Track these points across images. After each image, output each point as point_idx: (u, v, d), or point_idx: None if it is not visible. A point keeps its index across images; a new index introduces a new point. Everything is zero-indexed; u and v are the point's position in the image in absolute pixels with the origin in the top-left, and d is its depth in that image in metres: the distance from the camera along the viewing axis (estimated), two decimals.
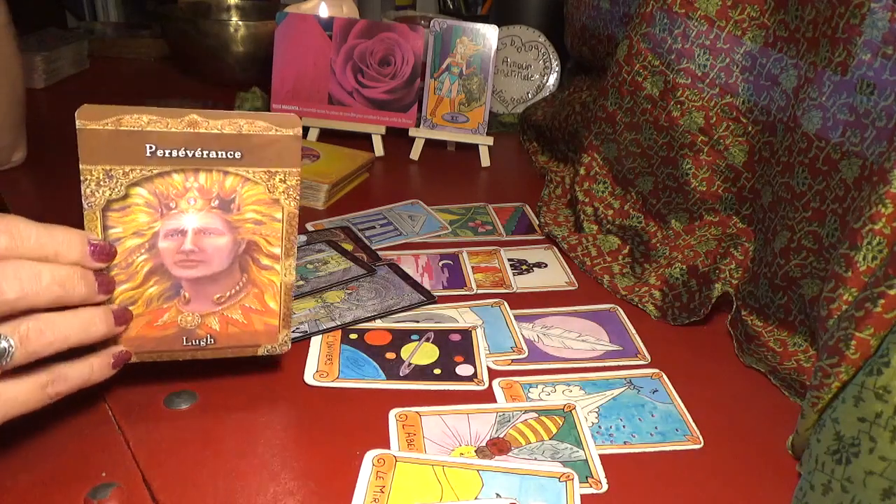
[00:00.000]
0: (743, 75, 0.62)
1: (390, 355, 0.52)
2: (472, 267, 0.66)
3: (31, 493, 0.38)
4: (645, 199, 0.71)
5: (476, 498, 0.40)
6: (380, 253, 0.67)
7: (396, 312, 0.57)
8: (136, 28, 1.49)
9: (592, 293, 0.64)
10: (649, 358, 0.54)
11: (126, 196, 0.39)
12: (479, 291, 0.62)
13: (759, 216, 0.61)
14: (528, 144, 1.00)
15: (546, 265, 0.68)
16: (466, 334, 0.55)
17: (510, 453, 0.43)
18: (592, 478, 0.42)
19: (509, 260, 0.68)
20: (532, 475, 0.41)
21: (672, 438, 0.46)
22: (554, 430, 0.45)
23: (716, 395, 0.51)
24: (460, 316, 0.58)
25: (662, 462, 0.44)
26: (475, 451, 0.43)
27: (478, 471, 0.41)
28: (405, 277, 0.63)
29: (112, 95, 1.10)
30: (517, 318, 0.58)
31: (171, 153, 0.39)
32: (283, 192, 0.42)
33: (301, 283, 0.60)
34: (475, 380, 0.50)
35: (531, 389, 0.50)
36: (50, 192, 0.73)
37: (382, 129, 0.92)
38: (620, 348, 0.55)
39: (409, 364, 0.51)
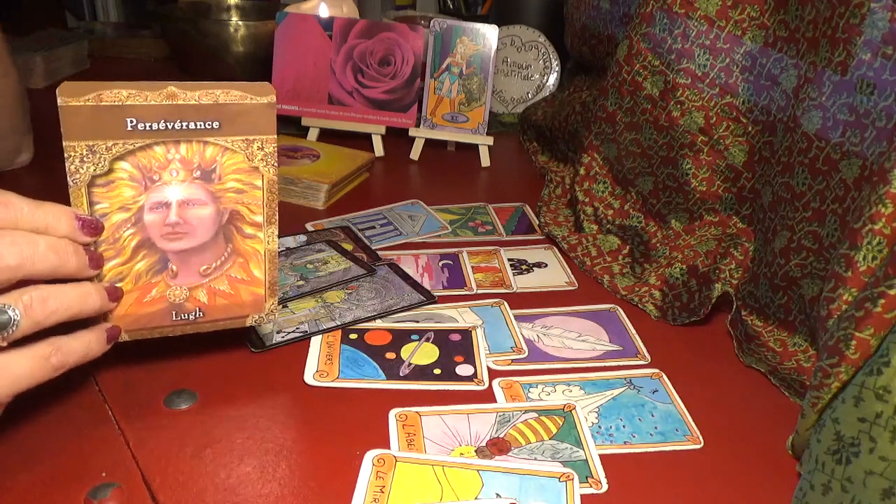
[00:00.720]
0: (743, 75, 0.62)
1: (390, 355, 0.52)
2: (472, 267, 0.66)
3: (31, 493, 0.38)
4: (645, 199, 0.71)
5: (476, 498, 0.40)
6: (380, 253, 0.67)
7: (396, 312, 0.57)
8: (136, 28, 1.49)
9: (592, 293, 0.64)
10: (649, 358, 0.54)
11: (110, 171, 0.40)
12: (479, 291, 0.62)
13: (759, 216, 0.61)
14: (528, 144, 1.00)
15: (546, 265, 0.68)
16: (466, 334, 0.55)
17: (510, 453, 0.43)
18: (592, 478, 0.42)
19: (509, 260, 0.68)
20: (532, 475, 0.41)
21: (672, 438, 0.46)
22: (554, 430, 0.45)
23: (716, 395, 0.51)
24: (460, 316, 0.58)
25: (662, 462, 0.44)
26: (475, 451, 0.43)
27: (478, 471, 0.41)
28: (405, 277, 0.63)
29: None
30: (517, 318, 0.58)
31: (151, 126, 0.40)
32: (262, 159, 0.43)
33: (301, 283, 0.60)
34: (475, 380, 0.50)
35: (531, 389, 0.50)
36: (50, 191, 0.73)
37: (382, 129, 0.92)
38: (620, 348, 0.55)
39: (409, 364, 0.51)
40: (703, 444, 0.46)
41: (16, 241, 0.34)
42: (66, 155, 0.39)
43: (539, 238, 0.74)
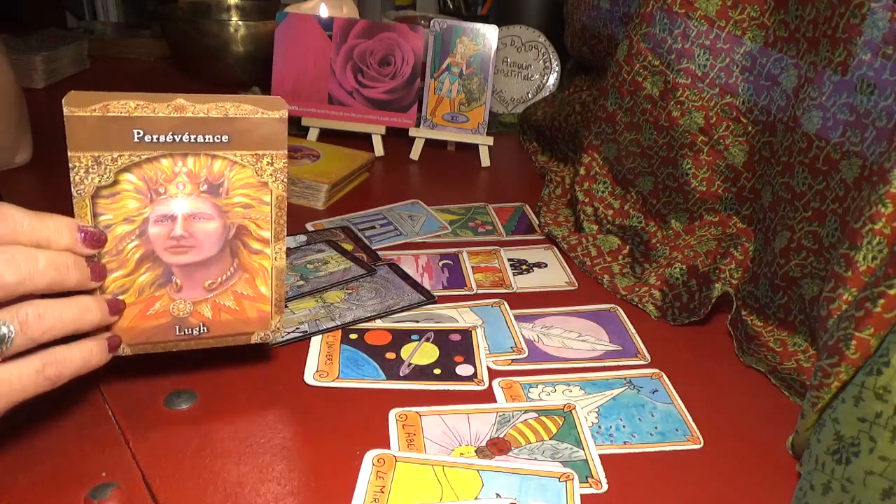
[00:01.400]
0: (743, 75, 0.62)
1: (390, 355, 0.52)
2: (472, 267, 0.66)
3: (31, 493, 0.38)
4: (645, 199, 0.71)
5: (476, 498, 0.40)
6: (380, 253, 0.67)
7: (396, 312, 0.57)
8: (136, 28, 1.49)
9: (592, 293, 0.64)
10: (649, 358, 0.54)
11: (115, 182, 0.39)
12: (479, 291, 0.62)
13: (759, 216, 0.61)
14: (528, 144, 1.00)
15: (546, 265, 0.68)
16: (466, 334, 0.55)
17: (510, 453, 0.43)
18: (592, 478, 0.42)
19: (509, 260, 0.68)
20: (532, 475, 0.41)
21: (672, 438, 0.46)
22: (554, 430, 0.45)
23: (716, 395, 0.51)
24: (460, 316, 0.58)
25: (662, 462, 0.44)
26: (475, 451, 0.43)
27: (478, 471, 0.41)
28: (405, 277, 0.63)
29: None
30: (517, 318, 0.58)
31: (158, 138, 0.39)
32: (271, 174, 0.42)
33: (301, 283, 0.60)
34: (475, 380, 0.50)
35: (531, 389, 0.50)
36: (50, 191, 0.73)
37: (382, 129, 0.92)
38: (620, 348, 0.55)
39: (409, 364, 0.51)
40: (703, 444, 0.46)
41: (14, 257, 0.34)
42: (70, 165, 0.38)
43: (539, 238, 0.74)
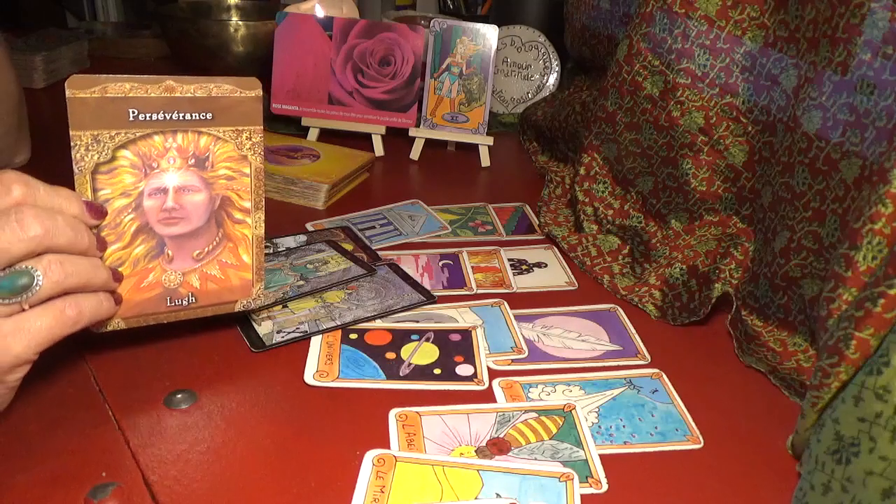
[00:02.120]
0: (743, 75, 0.62)
1: (390, 355, 0.52)
2: (472, 267, 0.66)
3: (31, 493, 0.38)
4: (645, 199, 0.71)
5: (476, 498, 0.40)
6: (380, 253, 0.67)
7: (396, 312, 0.57)
8: (136, 28, 1.49)
9: (592, 293, 0.64)
10: (649, 358, 0.54)
11: (113, 159, 0.42)
12: (479, 291, 0.62)
13: (759, 216, 0.61)
14: (528, 144, 1.00)
15: (546, 265, 0.68)
16: (466, 334, 0.55)
17: (510, 453, 0.43)
18: (592, 478, 0.42)
19: (509, 260, 0.68)
20: (532, 475, 0.41)
21: (672, 438, 0.46)
22: (554, 430, 0.45)
23: (716, 395, 0.51)
24: (460, 316, 0.58)
25: (662, 462, 0.44)
26: (475, 451, 0.43)
27: (478, 471, 0.41)
28: (405, 277, 0.63)
29: None
30: (517, 318, 0.58)
31: (151, 116, 0.43)
32: (250, 148, 0.46)
33: (301, 283, 0.60)
34: (475, 380, 0.50)
35: (531, 389, 0.50)
36: None
37: (382, 129, 0.92)
38: (620, 348, 0.55)
39: (409, 364, 0.51)
40: (703, 444, 0.46)
41: (38, 214, 0.36)
42: (72, 144, 0.41)
43: (539, 238, 0.74)
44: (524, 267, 0.68)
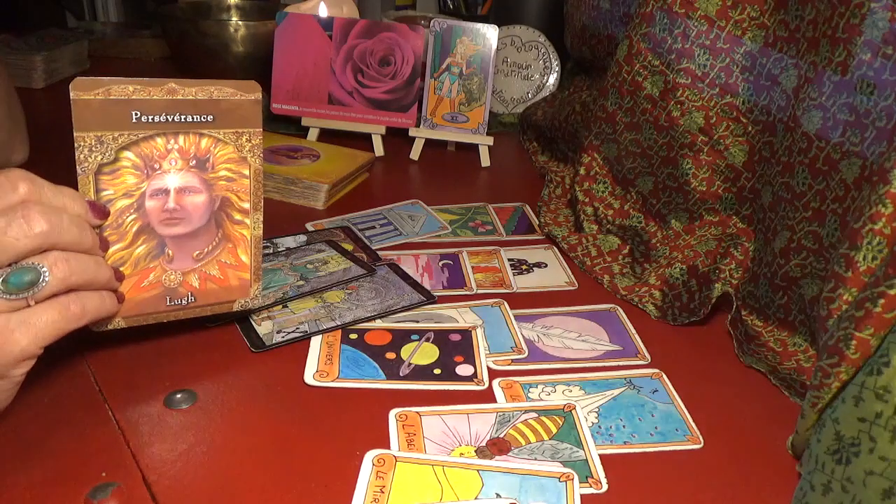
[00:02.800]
0: (743, 75, 0.62)
1: (390, 355, 0.52)
2: (472, 267, 0.66)
3: (31, 493, 0.38)
4: (645, 199, 0.71)
5: (476, 498, 0.40)
6: (380, 253, 0.67)
7: (396, 312, 0.57)
8: (136, 28, 1.49)
9: (592, 293, 0.64)
10: (649, 358, 0.54)
11: (116, 160, 0.43)
12: (479, 291, 0.62)
13: (759, 216, 0.61)
14: (528, 144, 1.00)
15: (546, 265, 0.68)
16: (466, 334, 0.55)
17: (510, 453, 0.43)
18: (592, 478, 0.42)
19: (509, 260, 0.68)
20: (532, 475, 0.41)
21: (672, 438, 0.46)
22: (554, 430, 0.45)
23: (716, 395, 0.51)
24: (460, 316, 0.58)
25: (662, 462, 0.44)
26: (475, 451, 0.43)
27: (478, 471, 0.41)
28: (405, 277, 0.63)
29: None
30: (517, 318, 0.58)
31: (153, 118, 0.43)
32: (249, 150, 0.47)
33: (301, 283, 0.60)
34: (475, 380, 0.50)
35: (531, 389, 0.50)
36: None
37: (382, 129, 0.92)
38: (620, 348, 0.55)
39: (409, 364, 0.51)
40: (703, 444, 0.46)
41: (45, 211, 0.37)
42: (76, 145, 0.41)
43: (539, 238, 0.74)
44: (524, 267, 0.68)
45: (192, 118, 0.44)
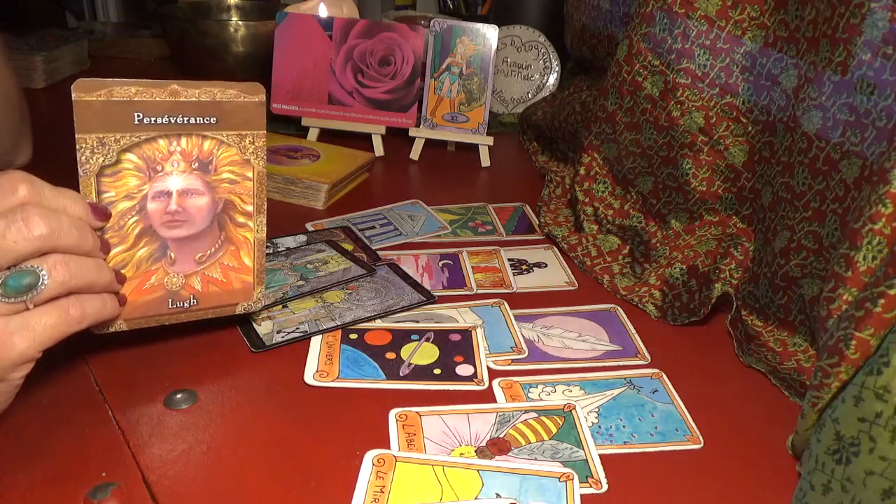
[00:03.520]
0: (743, 75, 0.62)
1: (390, 355, 0.52)
2: (472, 267, 0.66)
3: (31, 493, 0.38)
4: (645, 198, 0.71)
5: (476, 498, 0.40)
6: (380, 253, 0.67)
7: (396, 312, 0.57)
8: (136, 28, 1.49)
9: (592, 293, 0.64)
10: (649, 358, 0.54)
11: (117, 161, 0.42)
12: (479, 291, 0.62)
13: (759, 216, 0.61)
14: (528, 144, 1.00)
15: (546, 265, 0.68)
16: (466, 334, 0.55)
17: (510, 453, 0.43)
18: (592, 478, 0.42)
19: (509, 260, 0.68)
20: (532, 475, 0.41)
21: (672, 438, 0.46)
22: (554, 430, 0.45)
23: (716, 395, 0.51)
24: (460, 316, 0.58)
25: (662, 462, 0.44)
26: (475, 451, 0.43)
27: (478, 471, 0.41)
28: (405, 277, 0.63)
29: None
30: (517, 318, 0.58)
31: (156, 120, 0.43)
32: (253, 152, 0.47)
33: (301, 283, 0.60)
34: (475, 380, 0.50)
35: (531, 389, 0.50)
36: None
37: (382, 129, 0.92)
38: (620, 348, 0.55)
39: (409, 364, 0.51)
40: (703, 444, 0.46)
41: (44, 214, 0.37)
42: (77, 146, 0.41)
43: (539, 238, 0.74)
44: (524, 267, 0.68)
45: (195, 120, 0.44)
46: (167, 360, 0.50)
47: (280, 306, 0.57)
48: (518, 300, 0.61)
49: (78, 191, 0.41)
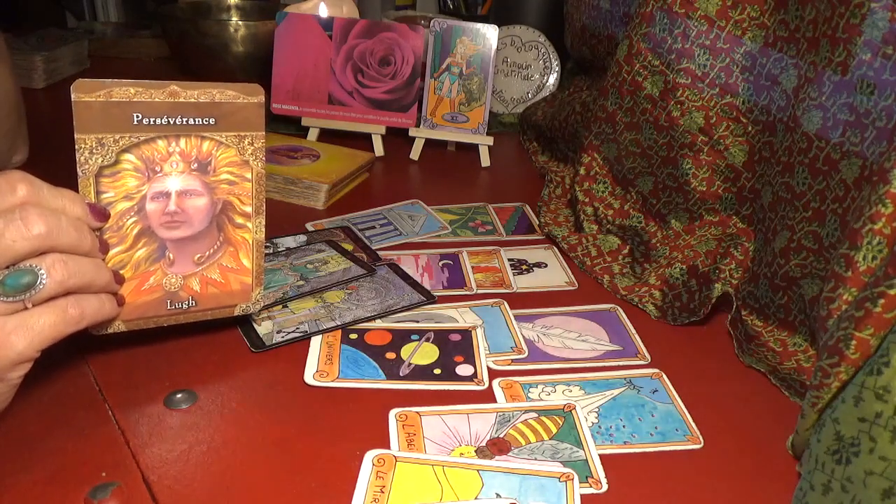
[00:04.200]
0: (743, 75, 0.62)
1: (390, 355, 0.52)
2: (472, 267, 0.66)
3: (31, 493, 0.38)
4: (645, 199, 0.71)
5: (476, 498, 0.40)
6: (380, 253, 0.67)
7: (396, 312, 0.57)
8: (136, 28, 1.49)
9: (592, 293, 0.64)
10: (649, 358, 0.54)
11: (116, 162, 0.42)
12: (479, 291, 0.62)
13: (759, 216, 0.61)
14: (528, 144, 1.00)
15: (546, 265, 0.68)
16: (466, 334, 0.55)
17: (510, 453, 0.43)
18: (592, 478, 0.42)
19: (509, 260, 0.68)
20: (532, 475, 0.41)
21: (672, 438, 0.46)
22: (554, 430, 0.45)
23: (716, 395, 0.51)
24: (460, 316, 0.58)
25: (662, 462, 0.44)
26: (475, 451, 0.43)
27: (478, 471, 0.41)
28: (405, 277, 0.63)
29: None
30: (517, 318, 0.58)
31: (155, 121, 0.43)
32: (252, 153, 0.47)
33: (301, 283, 0.60)
34: (475, 380, 0.50)
35: (531, 389, 0.50)
36: None
37: (382, 129, 0.92)
38: (620, 348, 0.55)
39: (409, 364, 0.51)
40: (703, 444, 0.46)
41: (43, 213, 0.36)
42: (77, 147, 0.41)
43: (539, 238, 0.74)
44: (524, 267, 0.68)
45: (194, 121, 0.44)
46: (167, 359, 0.50)
47: (280, 306, 0.57)
48: (518, 300, 0.61)
49: (77, 191, 0.41)
